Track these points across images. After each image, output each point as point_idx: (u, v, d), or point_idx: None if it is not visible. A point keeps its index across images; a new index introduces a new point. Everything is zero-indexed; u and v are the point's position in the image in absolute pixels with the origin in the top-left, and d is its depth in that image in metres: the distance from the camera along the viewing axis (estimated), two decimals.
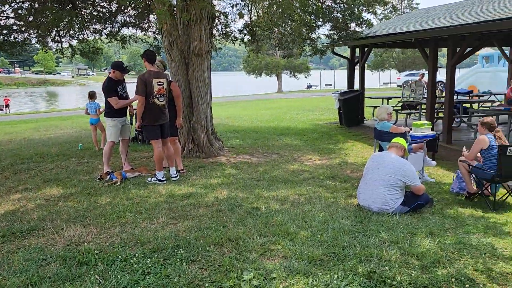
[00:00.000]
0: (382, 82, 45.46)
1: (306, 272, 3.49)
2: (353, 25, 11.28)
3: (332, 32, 11.19)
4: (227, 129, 12.28)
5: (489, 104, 14.32)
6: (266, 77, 41.06)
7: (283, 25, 9.50)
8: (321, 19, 10.30)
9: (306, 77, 42.15)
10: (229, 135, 11.11)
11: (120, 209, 5.17)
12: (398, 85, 35.00)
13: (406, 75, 35.35)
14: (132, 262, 3.72)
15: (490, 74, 19.27)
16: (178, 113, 6.91)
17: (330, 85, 45.18)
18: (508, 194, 5.38)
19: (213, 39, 11.87)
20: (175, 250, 3.93)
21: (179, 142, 7.42)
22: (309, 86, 44.39)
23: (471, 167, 5.57)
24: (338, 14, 10.38)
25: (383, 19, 32.20)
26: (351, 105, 12.38)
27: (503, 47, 14.18)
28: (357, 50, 12.96)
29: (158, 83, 6.15)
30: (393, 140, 5.36)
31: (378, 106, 7.29)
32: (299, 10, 8.38)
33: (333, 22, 10.61)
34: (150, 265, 3.65)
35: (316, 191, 6.04)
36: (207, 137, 8.28)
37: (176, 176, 6.60)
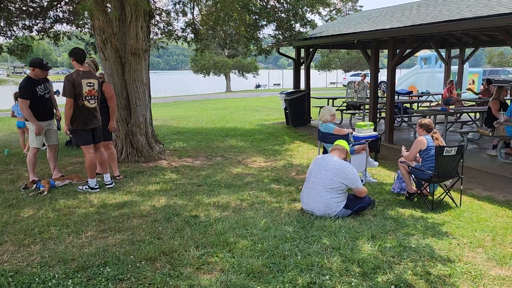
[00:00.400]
0: (329, 82, 46.48)
1: (244, 287, 3.28)
2: (297, 25, 11.26)
3: (277, 32, 11.10)
4: (171, 131, 11.86)
5: (427, 104, 14.90)
6: (214, 76, 40.64)
7: (225, 25, 9.26)
8: (265, 19, 10.17)
9: (254, 77, 42.18)
10: (172, 137, 10.71)
11: (44, 223, 4.70)
12: (344, 85, 35.93)
13: (352, 75, 36.32)
14: (51, 284, 3.33)
15: (428, 75, 20.14)
16: (111, 116, 6.47)
17: (279, 84, 45.54)
18: (445, 193, 5.47)
19: (155, 37, 11.45)
20: (102, 268, 3.58)
21: (115, 146, 6.97)
22: (258, 86, 44.48)
23: (410, 167, 5.62)
24: (282, 14, 10.30)
25: (329, 21, 32.87)
26: (297, 105, 12.38)
27: (439, 49, 14.83)
28: (303, 50, 12.99)
29: (88, 84, 5.69)
30: (336, 142, 5.29)
31: (324, 106, 7.25)
32: (240, 9, 8.17)
33: (277, 22, 10.52)
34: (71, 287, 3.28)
35: (259, 195, 5.86)
36: (146, 141, 7.88)
37: (111, 184, 6.17)
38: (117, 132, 7.60)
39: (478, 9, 7.32)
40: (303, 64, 12.91)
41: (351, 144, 6.42)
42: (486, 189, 6.27)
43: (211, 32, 10.55)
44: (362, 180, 6.47)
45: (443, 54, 14.86)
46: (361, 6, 42.96)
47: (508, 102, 9.43)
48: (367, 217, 5.01)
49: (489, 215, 5.11)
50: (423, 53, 21.29)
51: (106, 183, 6.14)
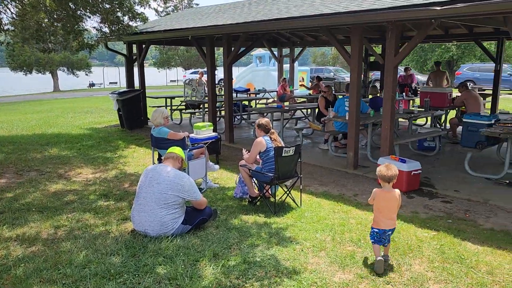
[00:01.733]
0: (170, 79, 45.56)
1: None
2: (126, 18, 10.22)
3: (102, 25, 9.87)
4: None
5: (265, 101, 15.38)
6: (38, 74, 35.74)
7: (36, 14, 7.74)
8: (86, 9, 8.89)
9: (87, 75, 38.54)
10: None
11: None
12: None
13: (192, 73, 36.11)
14: None
15: (263, 73, 21.04)
16: None
17: (116, 83, 42.62)
18: (286, 194, 5.34)
19: None
20: None
21: None
22: (92, 85, 40.81)
23: (251, 171, 5.33)
24: (106, 5, 9.15)
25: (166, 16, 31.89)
26: (132, 106, 11.33)
27: (272, 48, 15.43)
28: (135, 46, 11.95)
29: None
30: (169, 150, 4.64)
31: (156, 108, 6.51)
32: None
33: (101, 14, 9.32)
34: None
35: (81, 218, 4.85)
36: None
37: None
38: None
39: (304, 9, 7.51)
40: (136, 61, 11.88)
41: (189, 149, 5.86)
42: (322, 184, 6.42)
43: (20, 22, 8.79)
44: (202, 189, 5.99)
45: (276, 53, 15.51)
46: (197, 4, 43.10)
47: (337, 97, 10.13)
48: (209, 231, 4.51)
49: (327, 213, 5.13)
50: (258, 51, 22.17)
51: None
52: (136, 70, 12.04)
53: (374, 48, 13.33)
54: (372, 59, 13.32)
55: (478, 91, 11.36)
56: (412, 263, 3.83)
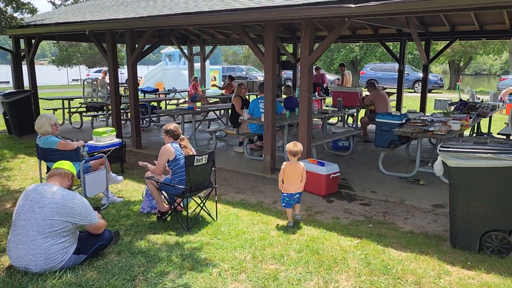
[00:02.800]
0: (72, 78, 42.17)
1: None
2: (9, 9, 8.86)
3: None
4: None
5: (175, 101, 14.62)
6: None
7: None
8: None
9: None
10: None
11: None
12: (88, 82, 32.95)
13: (96, 72, 33.71)
14: None
15: (174, 72, 20.16)
16: None
17: (8, 82, 38.34)
18: (200, 207, 4.80)
19: None
20: None
21: None
22: None
23: (159, 183, 4.70)
24: None
25: None
26: (21, 109, 9.92)
27: (181, 46, 14.70)
28: (22, 41, 10.50)
29: None
30: (55, 165, 3.83)
31: (41, 114, 5.54)
32: None
33: None
34: None
35: None
36: None
37: None
38: None
39: (214, 3, 7.01)
40: (25, 58, 10.44)
41: (84, 160, 5.04)
42: (239, 191, 5.98)
43: None
44: (103, 205, 5.21)
45: (186, 51, 14.82)
46: None
47: (250, 98, 9.78)
48: (109, 258, 3.81)
49: (246, 225, 4.69)
50: (168, 49, 21.21)
51: None
52: (25, 68, 10.59)
53: (285, 47, 13.30)
54: (284, 58, 13.26)
55: (383, 89, 11.82)
56: (339, 279, 3.53)
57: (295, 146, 4.71)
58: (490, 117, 9.17)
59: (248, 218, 4.91)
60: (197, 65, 15.65)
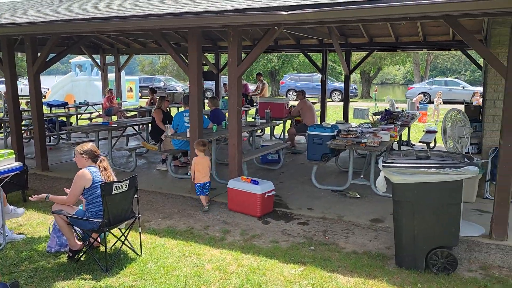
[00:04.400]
0: None
1: None
2: None
3: None
4: None
5: (88, 115, 13.41)
6: None
7: None
8: None
9: None
10: None
11: None
12: None
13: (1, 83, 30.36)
14: None
15: (85, 83, 18.62)
16: None
17: None
18: (121, 242, 4.11)
19: None
20: None
21: None
22: None
23: (69, 217, 3.95)
24: None
25: None
26: None
27: (93, 56, 13.56)
28: None
29: None
30: None
31: None
32: None
33: None
34: None
35: None
36: None
37: None
38: None
39: (130, 8, 6.33)
40: None
41: None
42: (165, 217, 5.35)
43: None
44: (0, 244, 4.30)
45: (98, 60, 13.68)
46: None
47: (173, 112, 9.13)
48: None
49: (176, 258, 4.11)
50: (78, 59, 19.61)
51: None
52: None
53: (206, 56, 12.84)
54: (206, 68, 12.79)
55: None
56: None
57: (203, 143, 5.55)
58: (408, 126, 9.51)
59: (178, 250, 4.32)
60: (111, 76, 14.56)
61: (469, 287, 3.61)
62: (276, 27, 5.12)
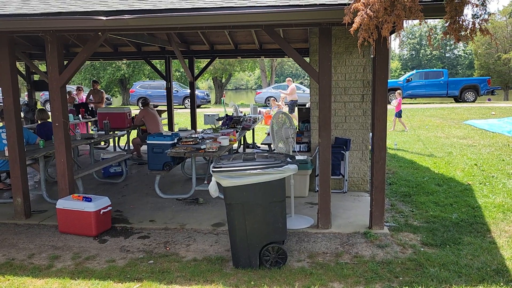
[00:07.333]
0: None
1: None
2: None
3: None
4: None
5: None
6: None
7: None
8: None
9: None
10: None
11: None
12: None
13: None
14: None
15: None
16: None
17: None
18: None
19: None
20: None
21: None
22: None
23: None
24: None
25: None
26: None
27: None
28: None
29: None
30: None
31: None
32: None
33: None
34: None
35: None
36: None
37: None
38: None
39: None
40: None
41: None
42: None
43: None
44: None
45: None
46: None
47: None
48: None
49: None
50: None
51: None
52: None
53: (39, 65, 11.60)
54: (37, 77, 11.52)
55: (154, 107, 11.55)
56: None
57: None
58: (253, 129, 9.99)
59: None
60: None
61: (297, 277, 3.87)
62: (100, 33, 4.81)
